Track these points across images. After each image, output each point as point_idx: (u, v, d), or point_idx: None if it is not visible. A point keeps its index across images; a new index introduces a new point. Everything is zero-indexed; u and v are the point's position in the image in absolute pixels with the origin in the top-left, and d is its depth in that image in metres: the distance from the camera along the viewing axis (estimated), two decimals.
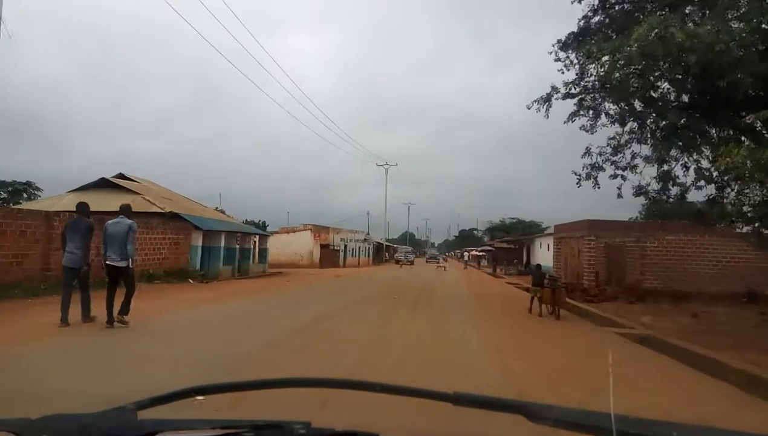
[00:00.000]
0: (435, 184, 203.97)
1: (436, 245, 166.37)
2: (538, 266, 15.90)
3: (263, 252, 29.71)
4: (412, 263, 56.32)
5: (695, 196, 12.46)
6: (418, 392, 1.25)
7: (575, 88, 11.67)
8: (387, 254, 69.84)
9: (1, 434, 1.10)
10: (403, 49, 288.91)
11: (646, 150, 12.21)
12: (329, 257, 42.26)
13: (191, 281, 19.77)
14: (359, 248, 51.94)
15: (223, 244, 23.34)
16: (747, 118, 9.45)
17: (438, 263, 56.18)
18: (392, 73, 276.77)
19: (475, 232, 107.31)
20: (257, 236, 29.48)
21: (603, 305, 16.32)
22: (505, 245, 64.71)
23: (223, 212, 33.89)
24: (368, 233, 62.99)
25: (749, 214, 9.67)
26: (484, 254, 63.77)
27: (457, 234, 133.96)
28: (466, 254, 65.71)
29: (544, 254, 38.11)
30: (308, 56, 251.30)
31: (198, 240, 21.65)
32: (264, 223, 50.59)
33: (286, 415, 1.27)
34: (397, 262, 56.91)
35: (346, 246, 46.58)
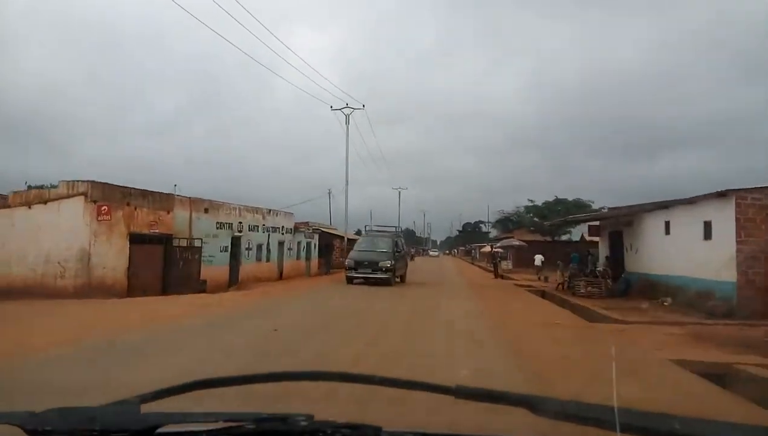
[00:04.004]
0: (437, 180, 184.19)
1: (438, 244, 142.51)
2: None
3: None
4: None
5: None
6: (421, 385, 1.23)
7: None
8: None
9: (6, 427, 1.09)
10: (407, 44, 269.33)
11: None
12: (155, 264, 16.60)
13: None
14: (285, 243, 27.70)
15: None
16: None
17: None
18: (396, 67, 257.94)
19: (482, 225, 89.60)
20: None
21: None
22: (539, 237, 41.91)
23: None
24: (338, 225, 40.15)
25: None
26: (501, 250, 40.60)
27: (460, 229, 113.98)
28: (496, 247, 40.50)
29: (676, 247, 15.27)
30: (311, 52, 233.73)
31: None
32: None
33: (289, 408, 1.27)
34: (349, 275, 20.37)
35: (235, 240, 21.76)
